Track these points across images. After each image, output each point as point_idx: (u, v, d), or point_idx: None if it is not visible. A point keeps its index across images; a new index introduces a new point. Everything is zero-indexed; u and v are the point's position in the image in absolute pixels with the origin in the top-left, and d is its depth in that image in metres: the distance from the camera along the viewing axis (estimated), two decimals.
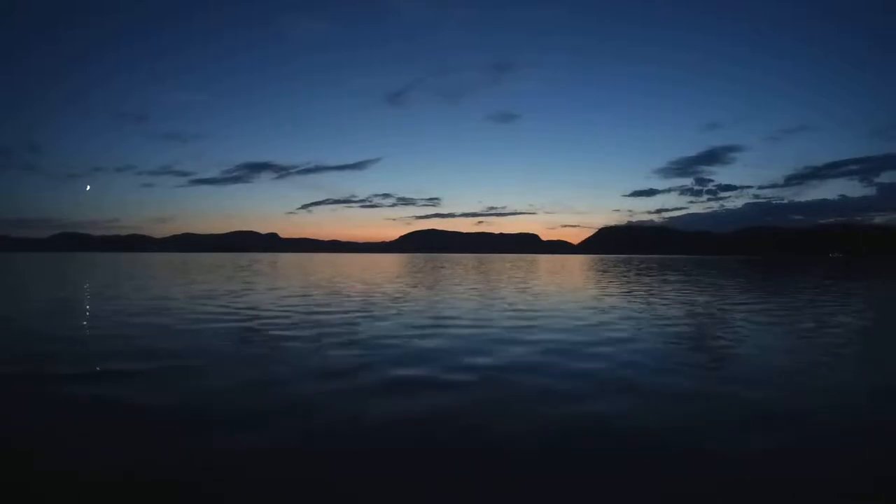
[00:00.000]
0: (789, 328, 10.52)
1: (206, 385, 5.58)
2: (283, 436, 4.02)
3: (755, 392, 5.66)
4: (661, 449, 4.07)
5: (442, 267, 50.25)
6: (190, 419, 4.48)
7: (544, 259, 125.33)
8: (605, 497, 3.33)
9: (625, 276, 32.72)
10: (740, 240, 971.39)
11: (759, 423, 4.66)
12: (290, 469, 3.54)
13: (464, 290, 20.35)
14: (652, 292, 19.30)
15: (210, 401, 4.94)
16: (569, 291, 19.71)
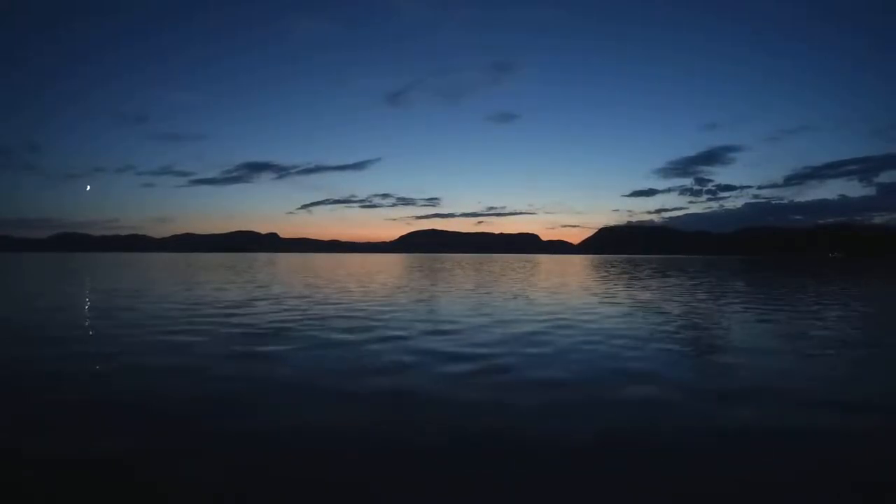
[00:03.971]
0: (798, 330, 10.59)
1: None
2: None
3: (754, 394, 5.66)
4: (664, 450, 4.06)
5: (448, 268, 50.17)
6: None
7: (548, 259, 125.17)
8: (606, 497, 3.32)
9: (659, 280, 32.68)
10: (740, 240, 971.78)
11: (759, 423, 4.70)
12: None
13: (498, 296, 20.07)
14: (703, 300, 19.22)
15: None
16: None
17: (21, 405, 5.09)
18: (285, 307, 13.76)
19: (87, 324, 10.48)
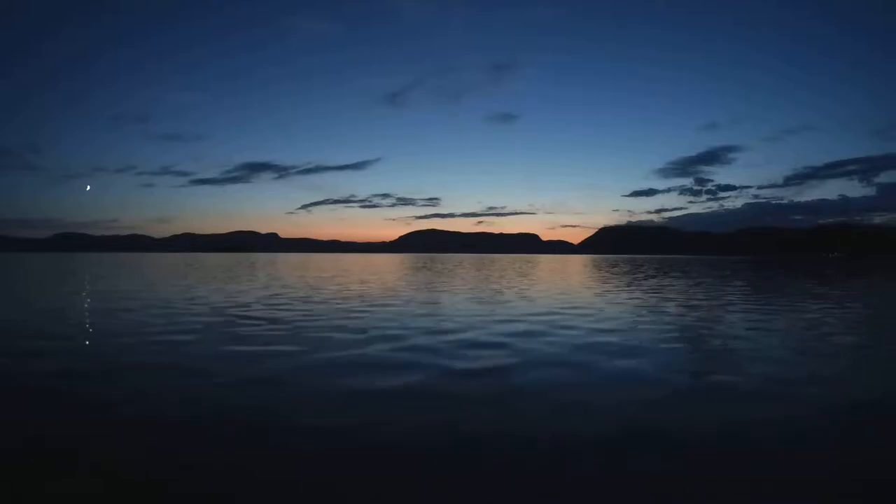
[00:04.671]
0: (797, 328, 10.57)
1: None
2: None
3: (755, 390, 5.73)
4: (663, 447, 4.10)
5: (451, 269, 50.07)
6: None
7: (552, 259, 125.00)
8: (604, 495, 3.33)
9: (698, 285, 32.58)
10: (740, 240, 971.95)
11: (758, 421, 4.72)
12: None
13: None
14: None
15: None
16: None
17: (14, 407, 5.03)
18: (287, 309, 13.69)
19: (83, 326, 10.24)
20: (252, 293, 18.29)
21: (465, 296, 17.57)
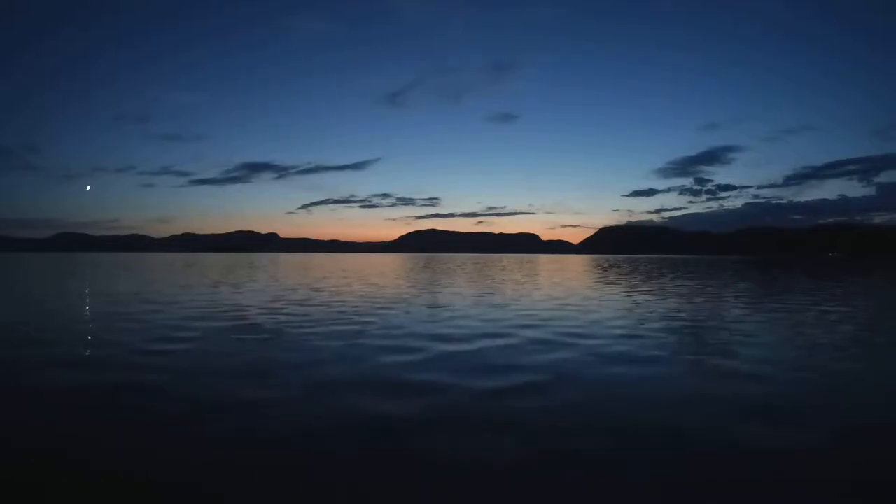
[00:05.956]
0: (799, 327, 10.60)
1: None
2: None
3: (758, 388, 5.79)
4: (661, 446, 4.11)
5: (454, 268, 49.93)
6: None
7: (552, 259, 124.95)
8: (604, 494, 3.35)
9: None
10: (740, 240, 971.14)
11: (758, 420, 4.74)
12: None
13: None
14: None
15: None
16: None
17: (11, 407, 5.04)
18: (287, 312, 13.65)
19: (83, 327, 10.24)
20: (251, 294, 18.23)
21: (472, 296, 17.50)
